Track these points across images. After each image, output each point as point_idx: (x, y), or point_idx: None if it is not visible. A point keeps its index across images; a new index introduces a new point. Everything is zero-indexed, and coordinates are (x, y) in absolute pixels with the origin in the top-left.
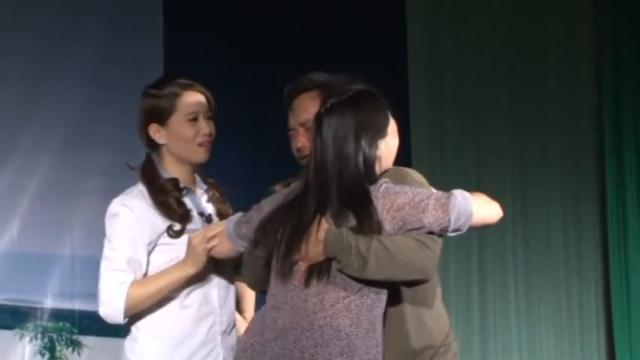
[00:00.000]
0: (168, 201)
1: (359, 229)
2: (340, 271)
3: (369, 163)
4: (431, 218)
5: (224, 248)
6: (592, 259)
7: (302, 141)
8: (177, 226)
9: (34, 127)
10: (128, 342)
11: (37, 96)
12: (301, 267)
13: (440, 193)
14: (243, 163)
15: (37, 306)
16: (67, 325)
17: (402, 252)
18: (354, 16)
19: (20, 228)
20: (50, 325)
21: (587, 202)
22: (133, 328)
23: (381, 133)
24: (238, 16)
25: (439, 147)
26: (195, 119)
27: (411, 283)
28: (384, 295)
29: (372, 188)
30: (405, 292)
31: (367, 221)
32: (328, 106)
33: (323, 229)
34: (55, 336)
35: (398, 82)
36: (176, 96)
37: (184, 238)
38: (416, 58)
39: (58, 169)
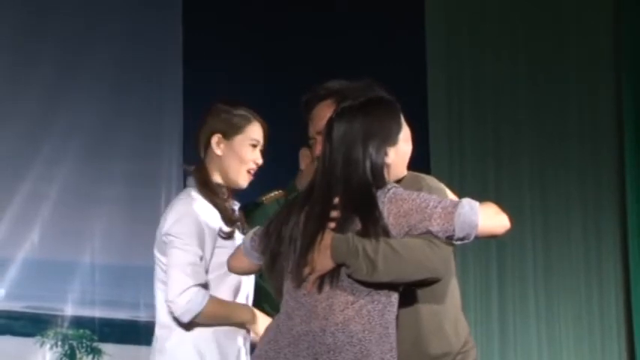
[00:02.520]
0: (225, 205)
1: (364, 234)
2: (349, 276)
3: (376, 169)
4: (436, 226)
5: (243, 264)
6: (612, 266)
7: (320, 149)
8: (226, 228)
9: (55, 135)
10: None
11: (57, 104)
12: (311, 277)
13: (448, 201)
14: (264, 171)
15: (58, 313)
16: (88, 332)
17: (410, 252)
18: (372, 25)
19: (41, 235)
20: (70, 332)
21: (607, 209)
22: (174, 336)
23: (391, 140)
24: (259, 24)
25: (458, 155)
26: (255, 146)
27: (423, 284)
28: (395, 298)
29: (379, 193)
30: (422, 297)
31: (372, 226)
32: (339, 111)
33: (328, 235)
34: (75, 343)
35: (417, 90)
36: (248, 120)
37: (233, 242)
38: (435, 66)
39: (79, 176)
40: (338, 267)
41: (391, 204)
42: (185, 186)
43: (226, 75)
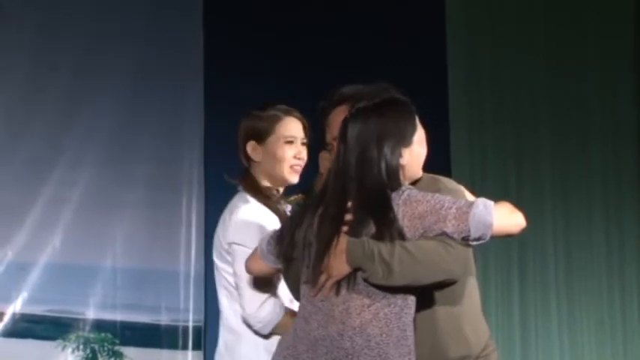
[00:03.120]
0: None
1: (379, 237)
2: (366, 280)
3: (392, 170)
4: (451, 227)
5: (260, 267)
6: (635, 270)
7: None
8: None
9: (76, 139)
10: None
11: (78, 107)
12: (327, 283)
13: (463, 201)
14: None
15: (79, 317)
16: (109, 335)
17: (425, 254)
18: (392, 25)
19: (62, 239)
20: (92, 335)
21: (629, 213)
22: (246, 342)
23: (405, 141)
24: (281, 26)
25: (479, 158)
26: (291, 142)
27: (439, 285)
28: (411, 300)
29: (394, 195)
30: (440, 299)
31: (387, 228)
32: (354, 111)
33: (343, 240)
34: (96, 347)
35: (437, 92)
36: (277, 118)
37: None
38: (455, 67)
39: (100, 181)
40: (354, 271)
41: (406, 206)
42: (206, 189)
43: (248, 78)
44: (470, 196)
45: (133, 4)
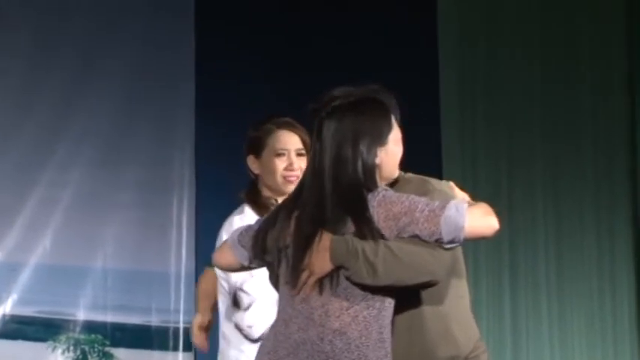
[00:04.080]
0: None
1: (359, 235)
2: (349, 278)
3: (367, 169)
4: (423, 230)
5: (226, 259)
6: (625, 272)
7: None
8: None
9: (68, 140)
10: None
11: (70, 109)
12: (309, 280)
13: (436, 204)
14: None
15: (70, 318)
16: (99, 337)
17: (409, 255)
18: (384, 26)
19: (53, 240)
20: (82, 337)
21: (620, 215)
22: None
23: (381, 139)
24: (272, 29)
25: (470, 160)
26: (282, 154)
27: (421, 286)
28: (388, 303)
29: (369, 196)
30: (427, 300)
31: (366, 226)
32: (329, 110)
33: (326, 237)
34: (87, 348)
35: (429, 93)
36: (269, 132)
37: None
38: (448, 68)
39: (92, 182)
40: (337, 269)
41: (380, 207)
42: (197, 191)
43: (239, 80)
44: (460, 194)
45: (125, 7)
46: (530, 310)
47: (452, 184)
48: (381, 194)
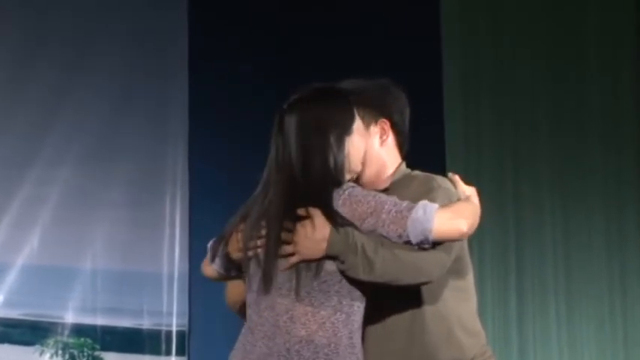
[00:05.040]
0: None
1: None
2: (343, 272)
3: (338, 160)
4: (390, 232)
5: (207, 271)
6: (636, 272)
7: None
8: None
9: (56, 136)
10: None
11: (59, 105)
12: (292, 259)
13: (404, 204)
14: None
15: (58, 321)
16: (89, 341)
17: (409, 255)
18: (386, 22)
19: (41, 240)
20: (71, 341)
21: (630, 213)
22: None
23: (347, 129)
24: (266, 24)
25: (475, 157)
26: None
27: (415, 286)
28: (357, 306)
29: (334, 195)
30: (428, 300)
31: (340, 219)
32: (289, 104)
33: (324, 226)
34: (76, 352)
35: (432, 90)
36: None
37: None
38: (451, 65)
39: (81, 179)
40: (323, 259)
41: (345, 207)
42: (190, 188)
43: (234, 76)
44: (464, 188)
45: (116, 0)
46: (538, 312)
47: (456, 177)
48: (346, 192)
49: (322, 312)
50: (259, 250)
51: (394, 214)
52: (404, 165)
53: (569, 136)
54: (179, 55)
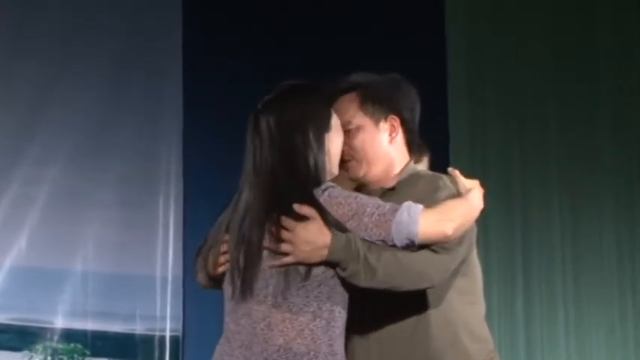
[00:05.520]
0: None
1: None
2: (344, 279)
3: (319, 159)
4: (374, 236)
5: (197, 278)
6: None
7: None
8: None
9: (45, 134)
10: None
11: (47, 100)
12: (286, 259)
13: (387, 206)
14: None
15: (47, 326)
16: (79, 346)
17: (413, 260)
18: (388, 16)
19: (29, 241)
20: (61, 346)
21: None
22: None
23: (326, 127)
24: (263, 18)
25: (480, 155)
26: None
27: (416, 291)
28: (338, 312)
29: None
30: (433, 304)
31: (339, 225)
32: (262, 104)
33: (325, 231)
34: (65, 358)
35: (436, 85)
36: None
37: None
38: (456, 62)
39: (70, 178)
40: (317, 264)
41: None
42: (185, 187)
43: (228, 70)
44: (465, 182)
45: None
46: (545, 317)
47: (456, 171)
48: (325, 193)
49: (301, 318)
50: (240, 257)
51: (377, 218)
52: (412, 163)
53: (579, 133)
54: (173, 49)
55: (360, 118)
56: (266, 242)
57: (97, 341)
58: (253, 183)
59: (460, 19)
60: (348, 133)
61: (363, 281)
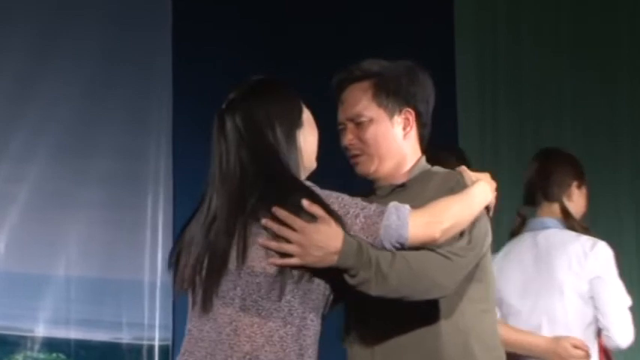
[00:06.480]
0: None
1: None
2: (354, 286)
3: (291, 157)
4: (360, 240)
5: None
6: None
7: (350, 138)
8: None
9: (26, 129)
10: None
11: (28, 94)
12: (290, 260)
13: (372, 208)
14: None
15: (27, 334)
16: (62, 356)
17: (426, 270)
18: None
19: (8, 244)
20: (42, 356)
21: None
22: None
23: (296, 122)
24: (256, 7)
25: (491, 152)
26: None
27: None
28: (311, 320)
29: None
30: (445, 311)
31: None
32: (227, 101)
33: (337, 235)
34: None
35: (444, 77)
36: None
37: None
38: (465, 51)
39: (52, 176)
40: (322, 269)
41: None
42: (175, 186)
43: (220, 63)
44: (472, 176)
45: None
46: None
47: (463, 167)
48: None
49: (270, 323)
50: (205, 263)
51: (362, 221)
52: (423, 159)
53: (596, 129)
54: (162, 41)
55: (373, 110)
56: (263, 240)
57: (80, 351)
58: (220, 188)
59: (470, 7)
60: (359, 125)
61: (374, 290)
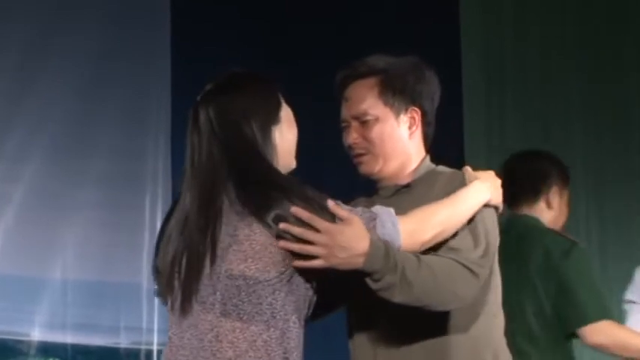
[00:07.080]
0: None
1: None
2: (377, 290)
3: (266, 155)
4: (387, 243)
5: None
6: None
7: (354, 136)
8: None
9: (21, 129)
10: None
11: (24, 93)
12: (313, 262)
13: (360, 213)
14: None
15: (23, 339)
16: None
17: (449, 281)
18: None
19: (3, 246)
20: None
21: None
22: None
23: (273, 118)
24: (255, 7)
25: (497, 155)
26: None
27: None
28: (294, 322)
29: None
30: (456, 317)
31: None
32: (202, 95)
33: (364, 236)
34: None
35: (450, 78)
36: None
37: None
38: (471, 50)
39: (48, 177)
40: (351, 271)
41: None
42: (173, 187)
43: (220, 63)
44: (475, 175)
45: None
46: None
47: (467, 167)
48: None
49: (253, 328)
50: (182, 264)
51: None
52: (428, 159)
53: (607, 133)
54: (161, 40)
55: (379, 109)
56: (283, 242)
57: (77, 355)
58: (191, 183)
59: (476, 6)
60: (364, 124)
61: (397, 296)
